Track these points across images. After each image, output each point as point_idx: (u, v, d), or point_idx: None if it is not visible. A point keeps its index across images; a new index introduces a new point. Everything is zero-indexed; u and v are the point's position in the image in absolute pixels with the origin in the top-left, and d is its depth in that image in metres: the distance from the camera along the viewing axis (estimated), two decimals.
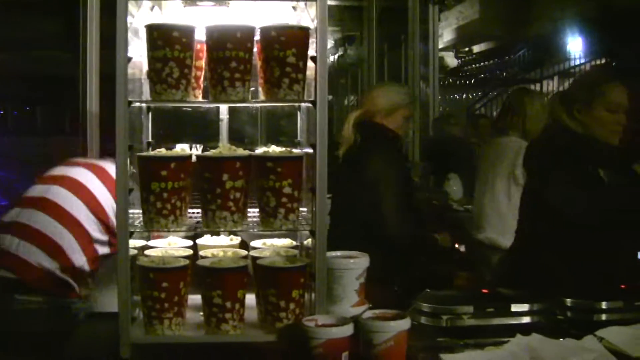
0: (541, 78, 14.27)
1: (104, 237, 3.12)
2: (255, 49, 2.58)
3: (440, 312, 2.65)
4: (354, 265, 2.59)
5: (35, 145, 10.13)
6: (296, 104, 2.84)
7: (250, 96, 2.55)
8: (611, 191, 3.26)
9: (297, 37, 2.52)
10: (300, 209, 2.63)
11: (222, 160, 2.49)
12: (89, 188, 2.99)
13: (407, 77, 7.14)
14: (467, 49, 17.68)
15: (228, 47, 2.47)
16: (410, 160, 4.03)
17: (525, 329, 2.60)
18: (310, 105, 2.54)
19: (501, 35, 15.35)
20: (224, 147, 2.64)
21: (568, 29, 13.57)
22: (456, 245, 4.92)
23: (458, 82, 16.54)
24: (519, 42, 15.17)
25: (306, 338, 2.28)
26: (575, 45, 13.92)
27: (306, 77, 2.55)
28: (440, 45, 19.31)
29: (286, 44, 2.49)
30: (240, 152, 2.56)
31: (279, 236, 2.93)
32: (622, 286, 2.96)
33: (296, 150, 2.66)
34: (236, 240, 2.95)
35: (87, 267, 3.06)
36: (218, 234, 2.95)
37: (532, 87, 13.18)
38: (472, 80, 16.01)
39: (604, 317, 2.74)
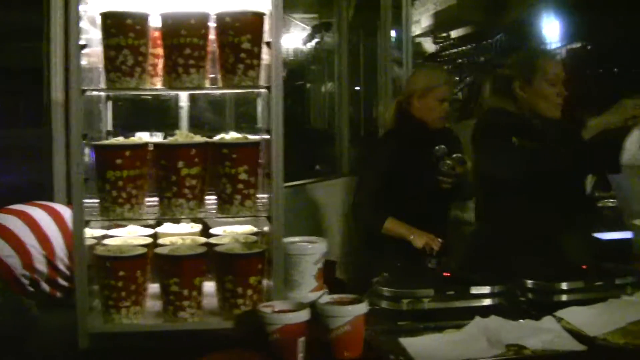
0: None
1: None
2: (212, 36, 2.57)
3: (400, 295, 2.66)
4: (311, 250, 2.59)
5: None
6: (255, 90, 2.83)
7: (207, 83, 2.55)
8: (538, 155, 3.33)
9: (251, 22, 2.51)
10: (264, 195, 2.62)
11: (177, 148, 2.48)
12: (42, 227, 2.92)
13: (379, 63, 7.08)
14: (445, 35, 17.65)
15: (182, 34, 2.47)
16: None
17: (485, 311, 2.62)
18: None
19: (479, 20, 15.31)
20: (181, 135, 2.63)
21: (544, 13, 13.55)
22: None
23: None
24: (496, 27, 15.15)
25: (262, 324, 2.29)
26: (551, 30, 13.92)
27: (262, 63, 2.54)
28: (418, 31, 19.44)
29: (240, 29, 2.48)
30: (198, 139, 2.55)
31: (241, 223, 2.92)
32: (583, 267, 2.98)
33: (252, 137, 2.65)
34: (197, 227, 2.93)
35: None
36: (179, 222, 2.94)
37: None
38: (450, 66, 15.98)
39: (564, 297, 2.76)
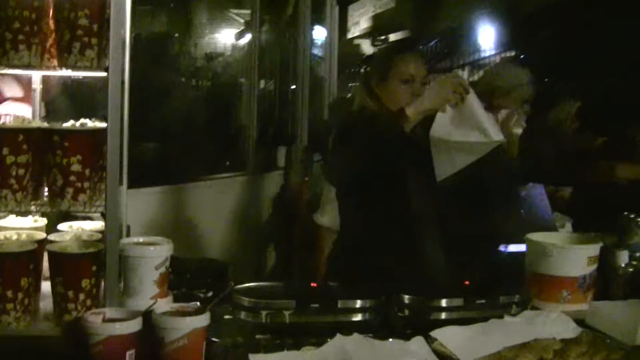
0: (450, 68, 14.20)
1: None
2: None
3: (260, 306, 2.40)
4: (151, 253, 2.29)
5: None
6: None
7: (41, 61, 2.26)
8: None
9: None
10: None
11: (1, 133, 2.19)
12: None
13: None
14: (383, 37, 17.55)
15: (10, 5, 2.19)
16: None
17: (356, 327, 2.38)
18: None
19: (415, 24, 15.29)
20: (17, 120, 2.36)
21: (480, 21, 13.56)
22: None
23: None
24: (432, 33, 15.12)
25: (85, 334, 2.02)
26: (485, 38, 13.91)
27: (108, 44, 2.25)
28: (357, 33, 19.36)
29: (77, 4, 2.22)
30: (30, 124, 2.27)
31: (92, 219, 2.64)
32: (465, 282, 2.77)
33: (90, 123, 2.37)
34: (41, 222, 2.64)
35: None
36: (25, 215, 2.64)
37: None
38: None
39: (442, 315, 2.53)
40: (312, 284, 2.65)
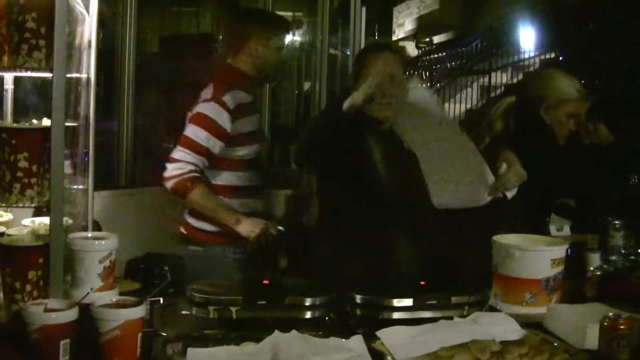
0: (490, 70, 14.12)
1: None
2: None
3: (208, 302, 2.47)
4: (96, 247, 2.37)
5: None
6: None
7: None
8: None
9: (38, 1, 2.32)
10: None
11: None
12: None
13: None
14: (427, 39, 17.55)
15: None
16: None
17: (308, 325, 2.43)
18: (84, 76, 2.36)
19: (459, 25, 15.23)
20: None
21: (520, 21, 13.45)
22: None
23: (412, 71, 16.37)
24: (475, 34, 15.04)
25: (23, 323, 2.11)
26: (526, 38, 13.79)
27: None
28: (402, 35, 19.32)
29: (25, 7, 2.30)
30: None
31: None
32: (422, 282, 2.79)
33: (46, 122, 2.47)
34: (7, 216, 2.75)
35: None
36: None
37: (482, 78, 13.05)
38: (426, 72, 15.88)
39: (394, 315, 2.56)
40: (264, 281, 2.70)
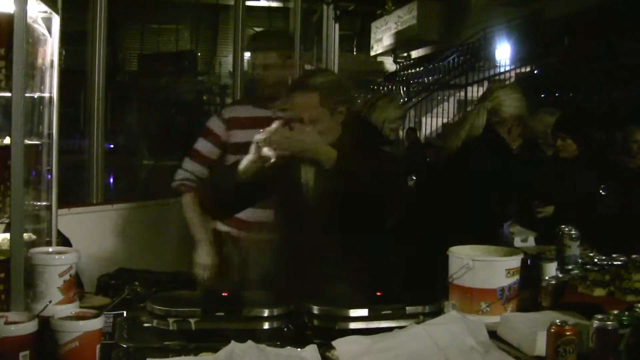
0: (466, 84, 14.25)
1: None
2: None
3: (169, 314, 2.54)
4: (55, 261, 2.43)
5: None
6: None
7: None
8: None
9: None
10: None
11: None
12: None
13: None
14: (405, 54, 17.67)
15: None
16: None
17: (266, 335, 2.50)
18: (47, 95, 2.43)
19: (437, 41, 15.35)
20: None
21: (497, 36, 13.58)
22: None
23: (390, 86, 16.50)
24: (452, 49, 15.16)
25: None
26: (502, 53, 13.92)
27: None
28: (380, 50, 19.49)
29: None
30: None
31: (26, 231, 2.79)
32: (378, 293, 2.86)
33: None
34: None
35: None
36: None
37: (458, 93, 13.18)
38: (404, 87, 15.98)
39: (351, 325, 2.62)
40: (223, 293, 2.77)
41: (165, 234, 4.90)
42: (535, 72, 12.26)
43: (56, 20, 2.74)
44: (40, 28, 2.68)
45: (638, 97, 9.22)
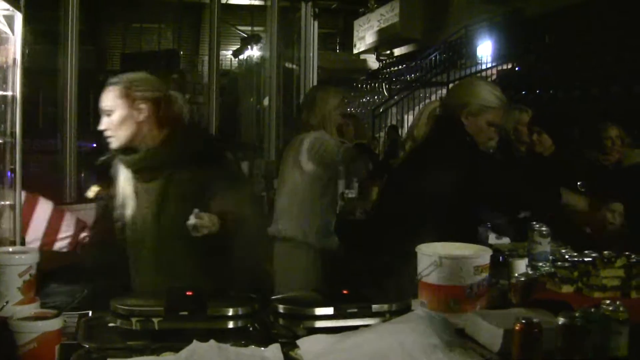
0: (448, 81, 14.25)
1: None
2: None
3: (132, 313, 2.51)
4: (15, 261, 2.41)
5: None
6: None
7: None
8: None
9: None
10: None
11: None
12: None
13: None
14: (388, 52, 17.66)
15: None
16: None
17: (231, 335, 2.47)
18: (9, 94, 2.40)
19: (419, 38, 15.36)
20: None
21: (479, 34, 13.61)
22: None
23: (372, 84, 16.50)
24: (434, 46, 15.17)
25: None
26: (484, 50, 13.94)
27: None
28: (363, 48, 19.50)
29: None
30: None
31: None
32: (344, 291, 2.84)
33: None
34: None
35: None
36: None
37: (440, 90, 13.17)
38: (384, 84, 15.99)
39: (316, 324, 2.60)
40: (188, 292, 2.74)
41: None
42: (517, 69, 12.30)
43: (19, 18, 2.71)
44: (3, 27, 2.65)
45: (618, 93, 9.24)
